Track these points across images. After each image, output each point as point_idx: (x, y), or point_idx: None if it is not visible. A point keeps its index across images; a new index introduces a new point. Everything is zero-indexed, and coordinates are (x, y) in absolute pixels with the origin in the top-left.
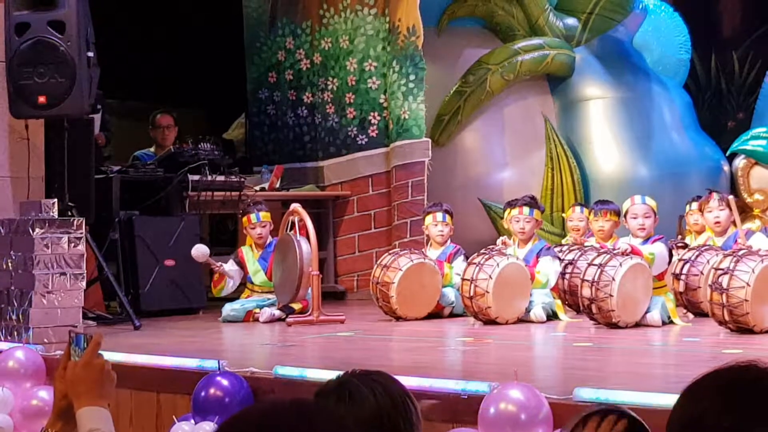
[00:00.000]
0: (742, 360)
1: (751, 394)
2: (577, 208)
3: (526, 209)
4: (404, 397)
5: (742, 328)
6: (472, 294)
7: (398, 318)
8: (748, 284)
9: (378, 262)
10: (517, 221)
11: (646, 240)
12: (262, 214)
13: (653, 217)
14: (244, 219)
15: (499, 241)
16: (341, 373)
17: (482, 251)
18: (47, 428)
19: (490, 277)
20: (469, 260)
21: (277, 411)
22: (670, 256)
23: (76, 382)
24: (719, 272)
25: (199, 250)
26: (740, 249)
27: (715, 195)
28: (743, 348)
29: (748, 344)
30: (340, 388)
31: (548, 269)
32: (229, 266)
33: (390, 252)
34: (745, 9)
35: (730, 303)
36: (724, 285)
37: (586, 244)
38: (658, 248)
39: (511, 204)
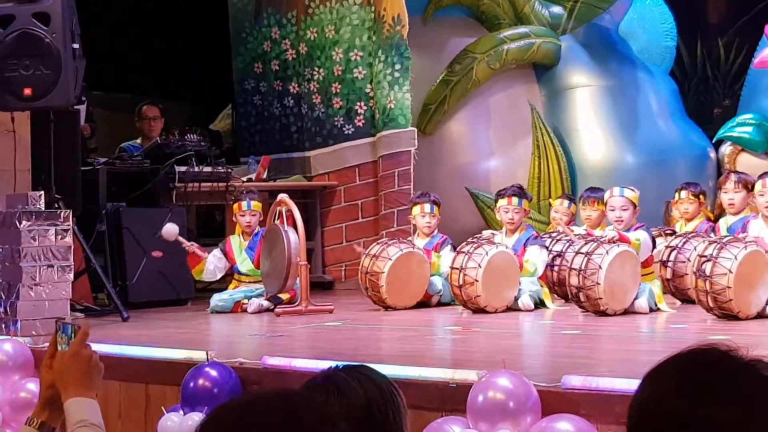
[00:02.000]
0: (704, 343)
1: (708, 377)
2: (566, 201)
3: (515, 199)
4: (391, 388)
5: (727, 314)
6: (461, 283)
7: (387, 307)
8: (730, 271)
9: (367, 252)
10: (506, 211)
11: (627, 230)
12: (253, 203)
13: (631, 209)
14: (235, 206)
15: (486, 233)
16: (325, 368)
17: (471, 240)
18: (33, 418)
19: (480, 265)
20: (458, 249)
21: (262, 401)
22: (654, 243)
23: (63, 372)
24: (703, 259)
25: (169, 230)
26: (725, 236)
27: (732, 176)
28: (729, 334)
29: (734, 330)
30: (327, 382)
31: (536, 258)
32: (212, 253)
33: (378, 241)
34: None
35: (713, 290)
36: (708, 272)
37: (574, 231)
38: (642, 235)
39: (500, 194)
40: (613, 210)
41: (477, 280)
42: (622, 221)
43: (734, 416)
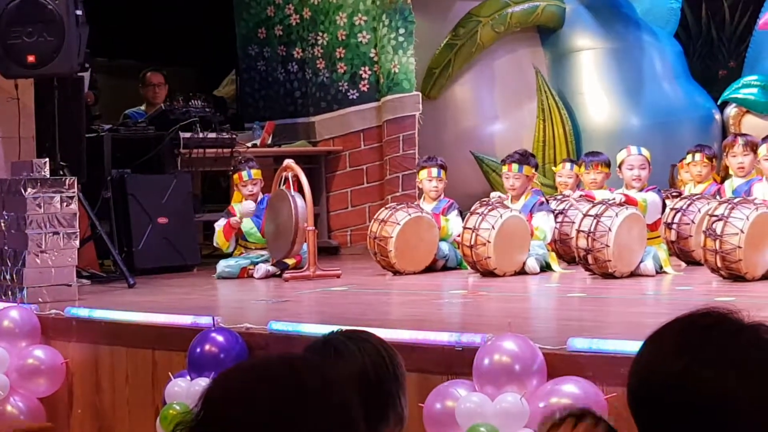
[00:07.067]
0: (705, 306)
1: (705, 339)
2: (567, 165)
3: (515, 166)
4: (390, 353)
5: (734, 275)
6: (472, 243)
7: (396, 272)
8: (742, 231)
9: (375, 217)
10: (507, 178)
11: (641, 191)
12: (253, 171)
13: (648, 167)
14: (236, 176)
15: (494, 195)
16: (327, 332)
17: (484, 201)
18: None
19: (493, 227)
20: (471, 210)
21: (266, 366)
22: (664, 206)
23: None
24: (714, 219)
25: (247, 207)
26: (733, 197)
27: (740, 140)
28: (735, 296)
29: (740, 292)
30: (326, 345)
31: (544, 225)
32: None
33: (387, 206)
34: None
35: (723, 249)
36: (718, 231)
37: (574, 195)
38: (651, 196)
39: (503, 160)
40: (631, 168)
41: (489, 242)
42: (640, 179)
43: (727, 379)
